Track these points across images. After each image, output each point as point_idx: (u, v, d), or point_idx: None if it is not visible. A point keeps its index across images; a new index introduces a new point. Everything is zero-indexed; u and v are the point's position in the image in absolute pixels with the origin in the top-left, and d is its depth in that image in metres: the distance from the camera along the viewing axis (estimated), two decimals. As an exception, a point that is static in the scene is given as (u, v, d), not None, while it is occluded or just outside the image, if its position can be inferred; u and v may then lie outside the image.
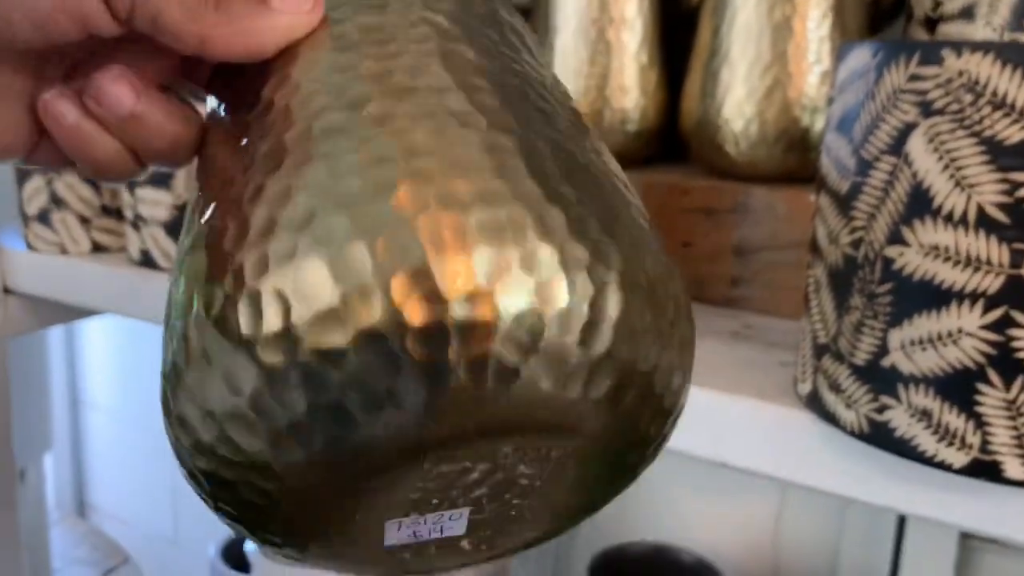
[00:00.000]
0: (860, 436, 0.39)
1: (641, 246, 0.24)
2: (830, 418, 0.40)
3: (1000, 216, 0.34)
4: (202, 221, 0.24)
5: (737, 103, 0.56)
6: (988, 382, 0.35)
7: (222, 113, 0.27)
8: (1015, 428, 0.35)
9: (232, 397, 0.22)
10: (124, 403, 1.47)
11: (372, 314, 0.21)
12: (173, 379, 0.23)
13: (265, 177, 0.23)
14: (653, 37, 0.62)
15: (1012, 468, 0.35)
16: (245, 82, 0.27)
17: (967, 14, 0.55)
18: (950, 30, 0.56)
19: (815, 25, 0.55)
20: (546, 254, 0.22)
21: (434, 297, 0.21)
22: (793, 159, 0.56)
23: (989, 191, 0.34)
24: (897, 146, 0.36)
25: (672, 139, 0.65)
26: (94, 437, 1.53)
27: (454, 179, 0.22)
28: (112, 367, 1.47)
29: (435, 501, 0.25)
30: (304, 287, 0.21)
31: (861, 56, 0.38)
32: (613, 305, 0.23)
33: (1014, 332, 0.34)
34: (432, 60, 0.25)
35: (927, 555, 0.75)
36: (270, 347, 0.21)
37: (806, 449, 0.42)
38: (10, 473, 0.82)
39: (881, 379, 0.38)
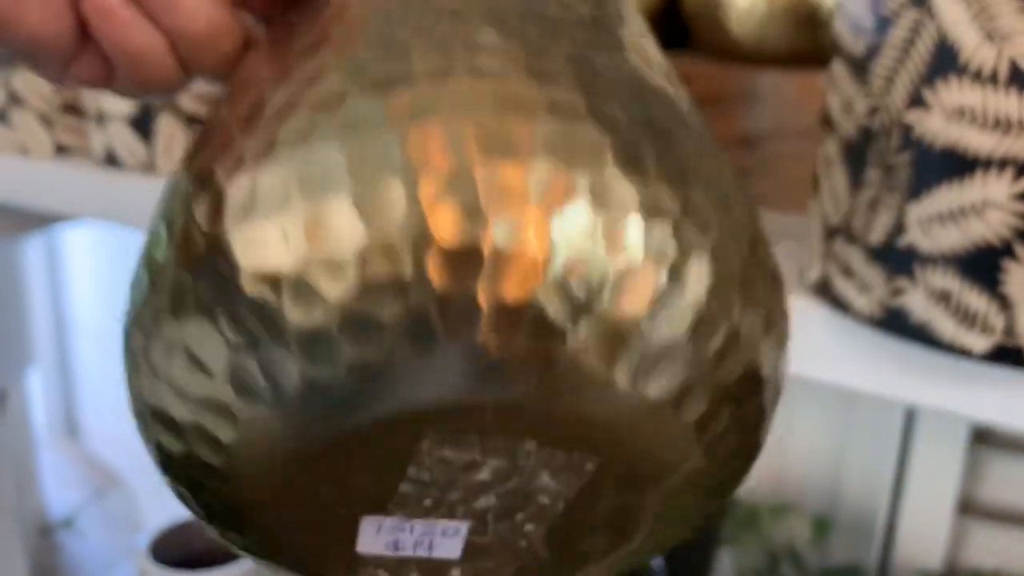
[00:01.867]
0: (873, 323, 0.36)
1: (743, 221, 0.19)
2: (841, 305, 0.37)
3: (1036, 71, 0.30)
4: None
5: (742, -21, 0.52)
6: (1016, 259, 0.32)
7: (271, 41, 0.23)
8: (1044, 308, 0.32)
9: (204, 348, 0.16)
10: (112, 320, 1.44)
11: (389, 218, 0.15)
12: (135, 323, 0.19)
13: (297, 60, 0.19)
14: (651, -88, 0.57)
15: (1039, 352, 0.32)
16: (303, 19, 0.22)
17: None
18: None
19: None
20: (625, 190, 0.16)
21: (470, 209, 0.15)
22: (802, 38, 0.52)
23: (1023, 43, 0.30)
24: (921, -4, 0.32)
25: (673, 22, 0.61)
26: (82, 356, 1.51)
27: (521, 81, 0.17)
28: (98, 282, 1.44)
29: (429, 502, 0.19)
30: (315, 174, 0.16)
31: (882, -102, 0.34)
32: (699, 278, 0.17)
33: (1047, 202, 0.31)
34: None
35: (934, 463, 0.73)
36: (256, 263, 0.16)
37: (814, 340, 0.39)
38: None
39: (897, 260, 0.34)
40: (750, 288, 0.19)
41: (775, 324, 0.20)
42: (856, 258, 0.36)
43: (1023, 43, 0.30)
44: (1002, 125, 0.31)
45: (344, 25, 0.19)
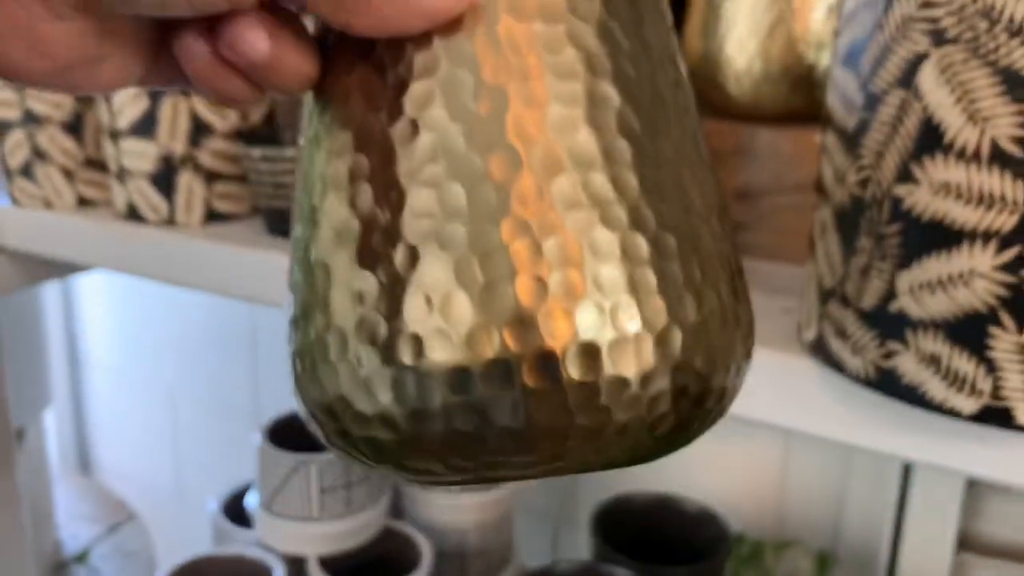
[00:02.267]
0: (867, 383, 0.37)
1: (727, 284, 0.25)
2: (836, 365, 0.39)
3: (1016, 151, 0.32)
4: (349, 206, 0.24)
5: (739, 39, 0.54)
6: (1001, 325, 0.33)
7: (349, 53, 0.25)
8: (1028, 373, 0.34)
9: (370, 399, 0.23)
10: (124, 358, 1.46)
11: (499, 310, 0.22)
12: (307, 359, 0.24)
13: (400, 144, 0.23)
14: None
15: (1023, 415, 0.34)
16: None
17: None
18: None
19: (820, -44, 0.52)
20: (643, 291, 0.22)
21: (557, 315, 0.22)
22: (798, 97, 0.54)
23: (1004, 124, 0.32)
24: (907, 78, 0.34)
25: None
26: (95, 393, 1.53)
27: (620, 219, 0.22)
28: (110, 322, 1.46)
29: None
30: (443, 279, 0.22)
31: (869, -16, 0.36)
32: (677, 342, 0.23)
33: (1029, 273, 0.33)
34: (576, 111, 0.23)
35: (933, 501, 0.74)
36: (405, 352, 0.22)
37: (811, 397, 0.40)
38: (7, 433, 0.81)
39: (889, 324, 0.36)
40: (726, 337, 0.24)
41: (742, 356, 0.25)
42: (850, 321, 0.38)
43: (1003, 124, 0.32)
44: (985, 200, 0.33)
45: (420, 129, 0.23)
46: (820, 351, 0.40)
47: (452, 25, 0.23)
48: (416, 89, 0.23)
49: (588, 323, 0.22)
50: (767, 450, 0.88)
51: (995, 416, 0.34)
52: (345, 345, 0.23)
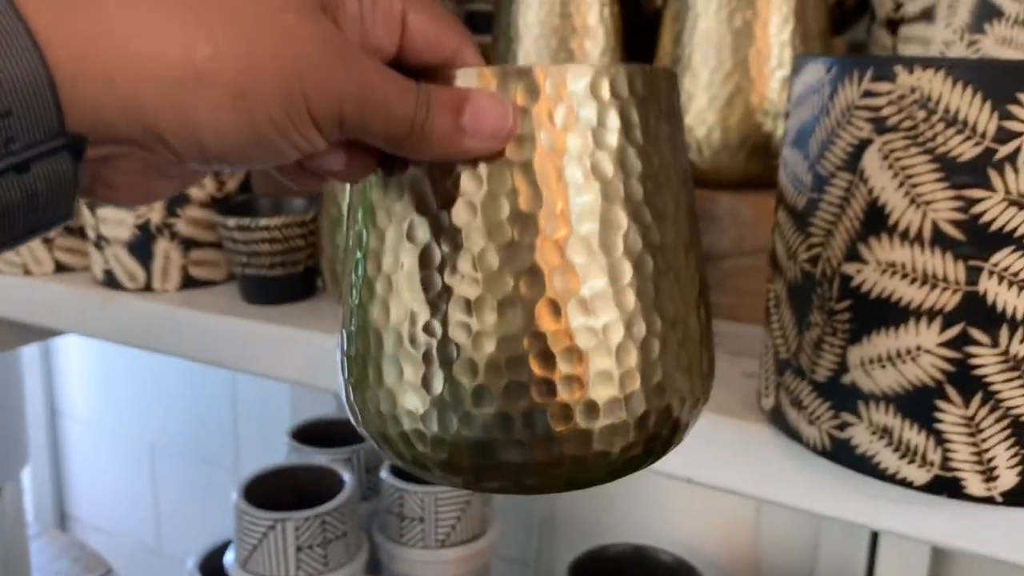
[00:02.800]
0: (823, 453, 0.39)
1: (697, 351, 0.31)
2: (793, 434, 0.40)
3: (955, 233, 0.33)
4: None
5: (699, 110, 0.55)
6: (947, 399, 0.35)
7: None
8: (975, 445, 0.35)
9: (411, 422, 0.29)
10: (102, 414, 1.46)
11: (503, 433, 0.29)
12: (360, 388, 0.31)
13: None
14: (616, 44, 0.61)
15: (973, 484, 0.35)
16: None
17: (927, 16, 0.55)
18: (912, 32, 0.56)
19: (776, 30, 0.54)
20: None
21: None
22: (757, 165, 0.56)
23: (944, 208, 0.33)
24: (852, 162, 0.36)
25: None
26: (73, 449, 1.52)
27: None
28: (90, 376, 1.46)
29: None
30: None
31: (815, 71, 0.38)
32: (653, 405, 0.30)
33: (972, 349, 0.34)
34: (592, 237, 0.28)
35: (901, 561, 0.75)
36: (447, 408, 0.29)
37: (771, 465, 0.42)
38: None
39: (842, 396, 0.37)
40: (692, 394, 0.31)
41: (702, 399, 0.32)
42: (805, 392, 0.39)
43: (943, 208, 0.33)
44: (929, 280, 0.34)
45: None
46: (778, 420, 0.41)
47: (495, 154, 0.28)
48: (459, 205, 0.28)
49: (580, 414, 0.28)
50: (741, 503, 0.89)
51: (946, 486, 0.36)
52: (393, 403, 0.30)
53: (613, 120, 0.28)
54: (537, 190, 0.28)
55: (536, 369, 0.28)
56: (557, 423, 0.28)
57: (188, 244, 0.63)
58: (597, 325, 0.28)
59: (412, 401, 0.29)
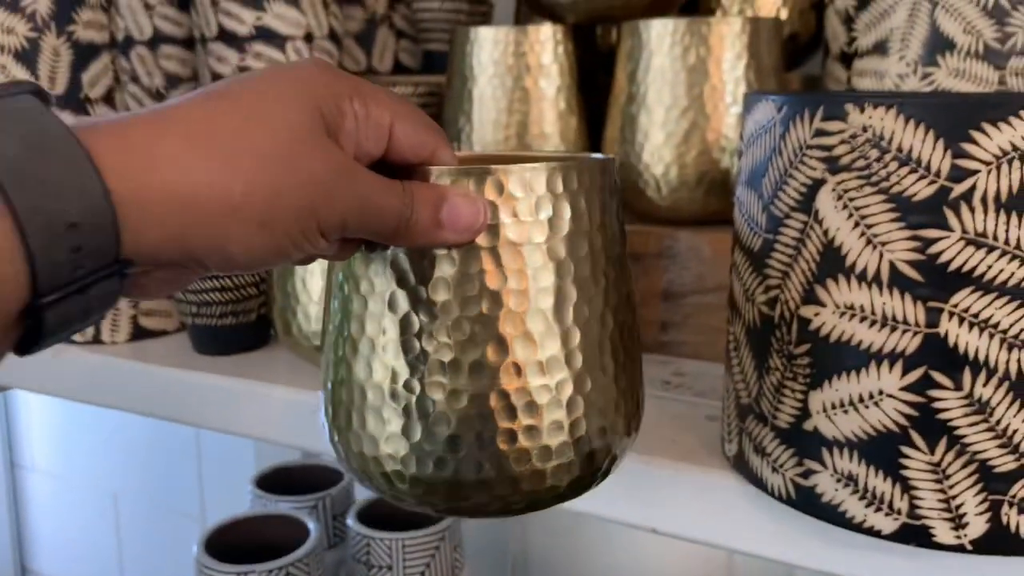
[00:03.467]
0: (787, 501, 0.37)
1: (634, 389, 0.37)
2: (757, 482, 0.39)
3: (913, 274, 0.32)
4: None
5: (656, 147, 0.55)
6: (912, 445, 0.34)
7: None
8: (942, 491, 0.34)
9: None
10: (63, 465, 1.42)
11: (471, 473, 0.34)
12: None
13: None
14: (571, 82, 0.61)
15: (942, 533, 0.34)
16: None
17: (881, 49, 0.55)
18: (865, 65, 0.56)
19: (730, 66, 0.54)
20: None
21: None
22: (715, 201, 0.55)
23: (900, 248, 0.33)
24: (806, 203, 0.35)
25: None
26: (34, 502, 1.48)
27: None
28: (50, 430, 1.43)
29: None
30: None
31: (766, 109, 0.37)
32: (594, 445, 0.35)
33: (935, 393, 0.33)
34: (548, 310, 0.33)
35: None
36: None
37: (736, 514, 0.40)
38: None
39: (805, 443, 0.36)
40: (628, 431, 0.37)
41: (635, 432, 0.38)
42: (768, 438, 0.38)
43: (900, 249, 0.33)
44: (889, 322, 0.33)
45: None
46: (742, 467, 0.40)
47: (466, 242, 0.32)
48: (436, 282, 0.33)
49: (537, 457, 0.34)
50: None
51: (914, 535, 0.34)
52: (376, 447, 0.34)
53: (566, 210, 0.33)
54: (502, 271, 0.33)
55: (501, 422, 0.33)
56: (518, 465, 0.33)
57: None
58: (551, 383, 0.33)
59: (393, 447, 0.34)
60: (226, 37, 0.72)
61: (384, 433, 0.34)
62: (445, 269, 0.32)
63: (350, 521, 0.84)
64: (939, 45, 0.53)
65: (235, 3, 0.71)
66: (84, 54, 0.61)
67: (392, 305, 0.33)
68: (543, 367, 0.33)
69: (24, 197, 0.23)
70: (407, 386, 0.33)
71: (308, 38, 0.73)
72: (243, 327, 0.58)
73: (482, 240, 0.32)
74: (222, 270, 0.30)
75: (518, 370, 0.33)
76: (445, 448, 0.33)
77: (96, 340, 0.61)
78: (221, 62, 0.73)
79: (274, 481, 0.94)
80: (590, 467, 0.35)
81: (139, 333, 0.62)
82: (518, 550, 1.01)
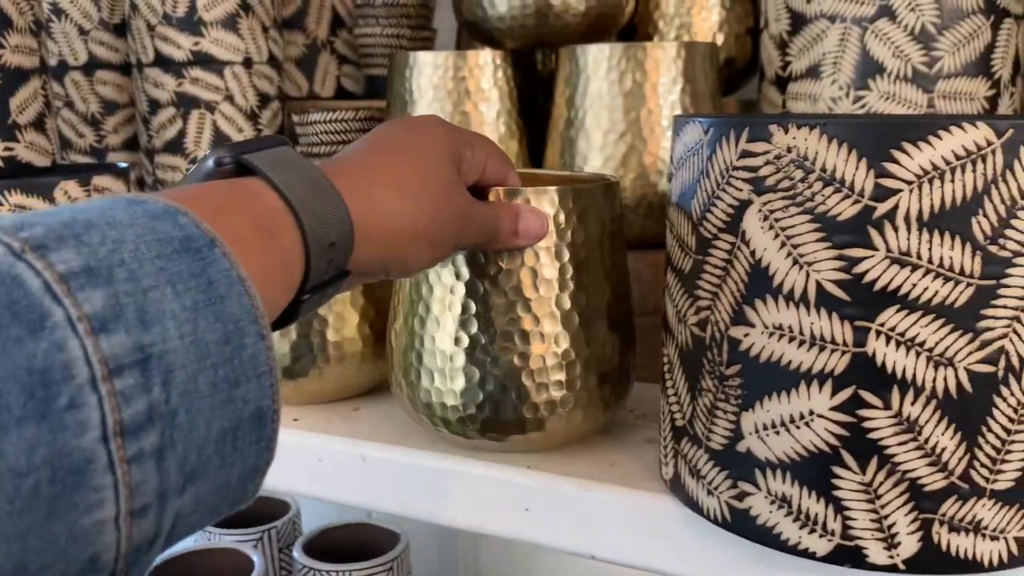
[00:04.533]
0: (722, 524, 0.37)
1: None
2: (693, 505, 0.39)
3: (840, 293, 0.33)
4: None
5: (594, 171, 0.55)
6: (844, 465, 0.34)
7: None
8: (874, 511, 0.34)
9: None
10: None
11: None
12: None
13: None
14: (511, 106, 0.61)
15: (875, 553, 0.34)
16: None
17: (814, 73, 0.55)
18: (799, 89, 0.56)
19: (665, 91, 0.54)
20: None
21: None
22: (654, 224, 0.55)
23: (827, 268, 0.33)
24: (733, 224, 0.35)
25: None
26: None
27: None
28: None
29: None
30: None
31: (693, 132, 0.37)
32: None
33: (864, 412, 0.33)
34: (556, 301, 0.43)
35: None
36: None
37: (673, 539, 0.40)
38: None
39: (739, 464, 0.36)
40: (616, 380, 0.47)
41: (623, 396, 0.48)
42: (702, 460, 0.37)
43: (826, 269, 0.33)
44: (817, 342, 0.33)
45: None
46: (679, 490, 0.40)
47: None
48: (486, 277, 0.43)
49: (545, 406, 0.44)
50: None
51: (848, 556, 0.34)
52: (434, 396, 0.44)
53: (584, 221, 0.43)
54: (536, 268, 0.43)
55: (526, 379, 0.43)
56: (541, 409, 0.43)
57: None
58: (559, 350, 0.43)
59: (449, 398, 0.44)
60: (163, 62, 0.71)
61: (444, 386, 0.44)
62: (492, 267, 0.43)
63: (296, 553, 0.82)
64: (870, 69, 0.54)
65: (172, 28, 0.70)
66: (12, 79, 0.60)
67: (453, 291, 0.43)
68: (555, 339, 0.43)
69: (309, 224, 0.30)
70: (466, 353, 0.43)
71: (247, 63, 0.72)
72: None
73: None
74: (395, 277, 0.40)
75: (541, 339, 0.43)
76: (488, 396, 0.43)
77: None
78: (158, 87, 0.72)
79: (218, 515, 0.92)
80: (584, 407, 0.44)
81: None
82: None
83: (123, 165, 0.62)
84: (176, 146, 0.72)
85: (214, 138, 0.72)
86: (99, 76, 0.77)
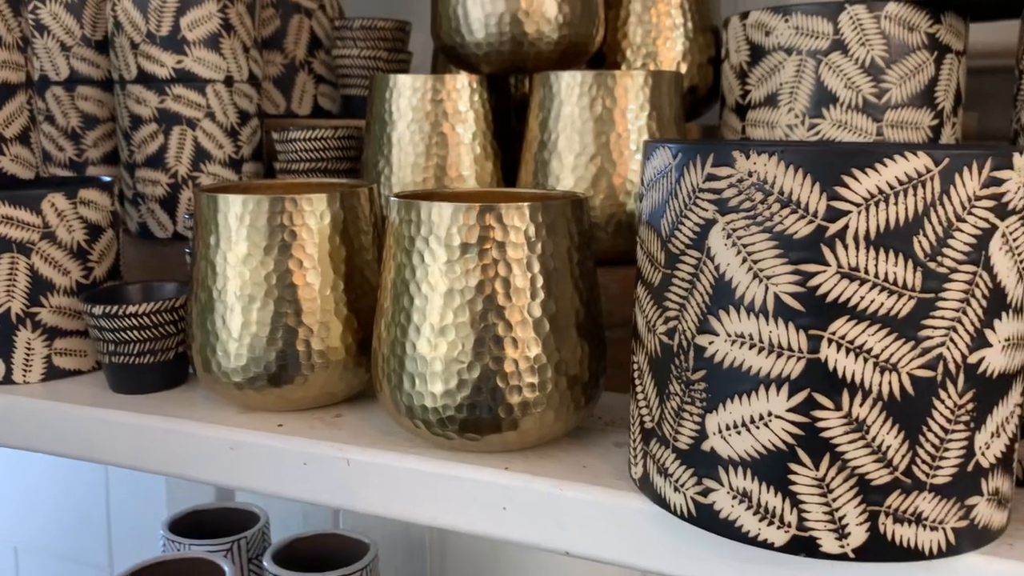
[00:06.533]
0: (688, 519, 0.40)
1: None
2: (661, 502, 0.41)
3: (796, 304, 0.36)
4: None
5: (566, 190, 0.58)
6: (799, 462, 0.37)
7: None
8: (827, 504, 0.37)
9: None
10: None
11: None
12: None
13: None
14: (486, 129, 0.64)
15: (828, 543, 0.37)
16: None
17: (772, 101, 0.59)
18: (758, 116, 0.60)
19: (634, 116, 0.57)
20: None
21: None
22: (622, 241, 0.58)
23: (784, 282, 0.36)
24: (699, 241, 0.38)
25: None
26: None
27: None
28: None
29: None
30: None
31: (663, 156, 0.40)
32: None
33: (818, 413, 0.36)
34: (535, 304, 0.47)
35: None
36: None
37: (642, 534, 0.43)
38: None
39: (703, 462, 0.39)
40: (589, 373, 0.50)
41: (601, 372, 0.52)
42: (669, 460, 0.40)
43: (783, 283, 0.36)
44: (775, 349, 0.36)
45: None
46: (647, 488, 0.43)
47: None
48: (462, 289, 0.46)
49: (519, 407, 0.46)
50: (622, 569, 0.90)
51: (803, 546, 0.37)
52: (422, 395, 0.47)
53: (552, 234, 0.46)
54: (504, 279, 0.46)
55: (500, 382, 0.46)
56: (515, 410, 0.46)
57: (53, 333, 0.61)
58: (531, 355, 0.46)
59: (429, 400, 0.46)
60: (146, 79, 0.73)
61: (426, 389, 0.46)
62: (468, 279, 0.45)
63: (267, 563, 0.83)
64: (824, 99, 0.58)
65: (155, 47, 0.72)
66: (0, 93, 0.62)
67: (432, 301, 0.46)
68: (527, 344, 0.46)
69: None
70: (443, 356, 0.46)
71: (228, 82, 0.74)
72: (162, 365, 0.58)
73: (495, 254, 0.45)
74: None
75: (513, 344, 0.46)
76: (465, 397, 0.46)
77: (7, 380, 0.61)
78: (140, 103, 0.73)
79: (187, 525, 0.93)
80: (558, 403, 0.47)
81: (53, 373, 0.61)
82: (435, 588, 1.01)
83: (107, 179, 0.64)
84: (157, 161, 0.74)
85: (195, 154, 0.74)
86: (80, 91, 0.79)
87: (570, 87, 0.58)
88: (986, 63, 0.72)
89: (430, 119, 0.63)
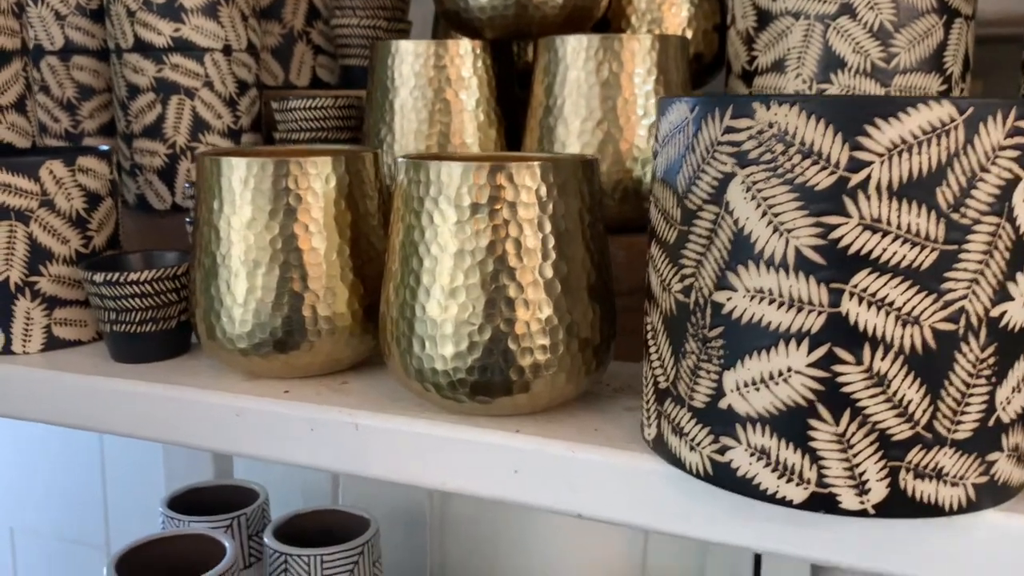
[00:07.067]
0: (705, 478, 0.39)
1: None
2: (676, 462, 0.41)
3: (816, 258, 0.35)
4: None
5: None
6: (819, 417, 0.36)
7: None
8: (847, 460, 0.36)
9: None
10: None
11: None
12: None
13: None
14: (489, 95, 0.63)
15: (847, 499, 0.37)
16: None
17: (779, 67, 0.59)
18: (765, 82, 0.59)
19: (640, 81, 0.57)
20: None
21: None
22: (629, 208, 0.58)
23: (804, 235, 0.35)
24: (718, 195, 0.37)
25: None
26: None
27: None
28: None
29: None
30: None
31: (680, 110, 0.39)
32: None
33: (838, 368, 0.36)
34: (545, 264, 0.46)
35: (785, 573, 0.77)
36: None
37: (656, 494, 0.42)
38: None
39: (720, 420, 0.39)
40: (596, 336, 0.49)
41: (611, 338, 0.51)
42: (685, 419, 0.40)
43: (804, 235, 0.35)
44: (795, 304, 0.36)
45: None
46: (661, 448, 0.42)
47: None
48: (474, 251, 0.46)
49: (530, 369, 0.46)
50: (626, 545, 0.90)
51: (822, 503, 0.37)
52: (434, 357, 0.46)
53: (562, 194, 0.46)
54: (515, 240, 0.45)
55: (511, 344, 0.45)
56: (527, 372, 0.46)
57: (52, 303, 0.60)
58: (542, 317, 0.46)
59: (440, 363, 0.46)
60: (143, 48, 0.72)
61: (436, 352, 0.46)
62: (479, 239, 0.45)
63: (267, 539, 0.83)
64: (831, 64, 0.58)
65: (152, 14, 0.71)
66: (-3, 60, 0.61)
67: (442, 263, 0.45)
68: (539, 305, 0.45)
69: None
70: (454, 318, 0.45)
71: (227, 51, 0.73)
72: (164, 334, 0.57)
73: (506, 214, 0.45)
74: None
75: (525, 306, 0.45)
76: (476, 359, 0.45)
77: (7, 350, 0.60)
78: (137, 73, 0.72)
79: (186, 502, 0.92)
80: (568, 367, 0.47)
81: (52, 343, 0.61)
82: (436, 562, 1.01)
83: (105, 148, 0.63)
84: (155, 131, 0.73)
85: (193, 124, 0.73)
86: (75, 61, 0.78)
87: (576, 51, 0.57)
88: (994, 31, 0.72)
89: (433, 85, 0.62)
